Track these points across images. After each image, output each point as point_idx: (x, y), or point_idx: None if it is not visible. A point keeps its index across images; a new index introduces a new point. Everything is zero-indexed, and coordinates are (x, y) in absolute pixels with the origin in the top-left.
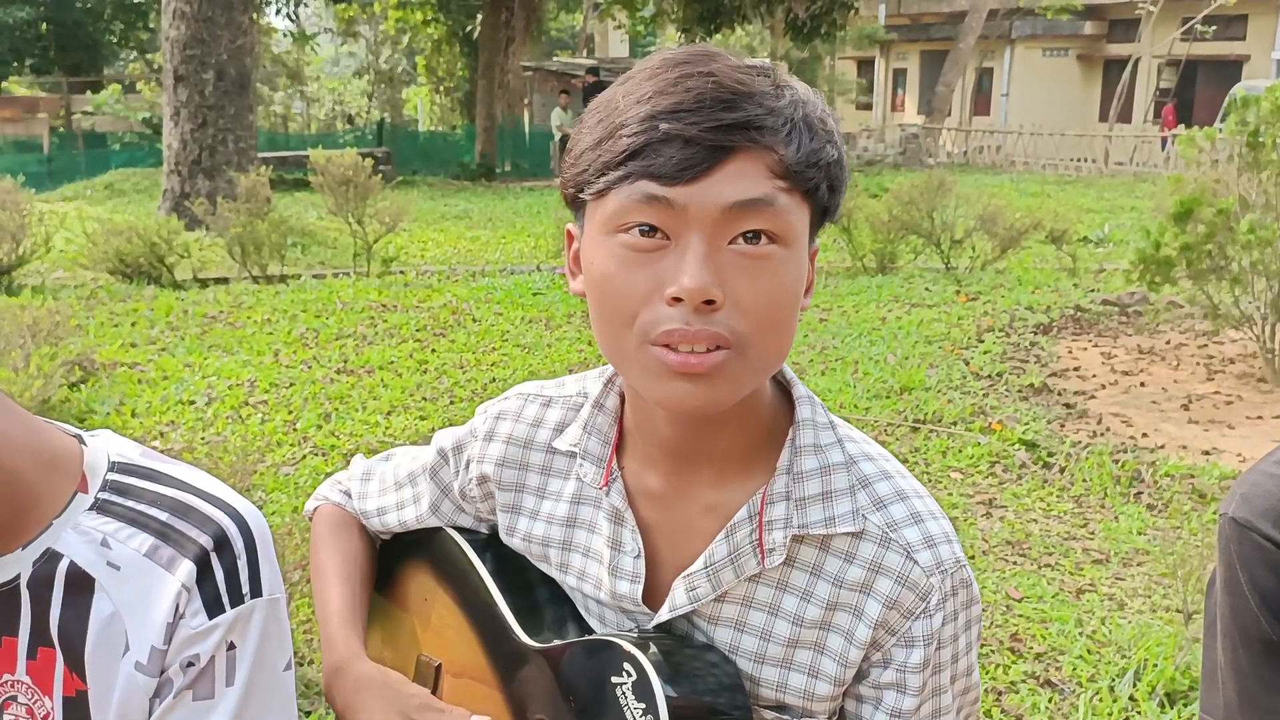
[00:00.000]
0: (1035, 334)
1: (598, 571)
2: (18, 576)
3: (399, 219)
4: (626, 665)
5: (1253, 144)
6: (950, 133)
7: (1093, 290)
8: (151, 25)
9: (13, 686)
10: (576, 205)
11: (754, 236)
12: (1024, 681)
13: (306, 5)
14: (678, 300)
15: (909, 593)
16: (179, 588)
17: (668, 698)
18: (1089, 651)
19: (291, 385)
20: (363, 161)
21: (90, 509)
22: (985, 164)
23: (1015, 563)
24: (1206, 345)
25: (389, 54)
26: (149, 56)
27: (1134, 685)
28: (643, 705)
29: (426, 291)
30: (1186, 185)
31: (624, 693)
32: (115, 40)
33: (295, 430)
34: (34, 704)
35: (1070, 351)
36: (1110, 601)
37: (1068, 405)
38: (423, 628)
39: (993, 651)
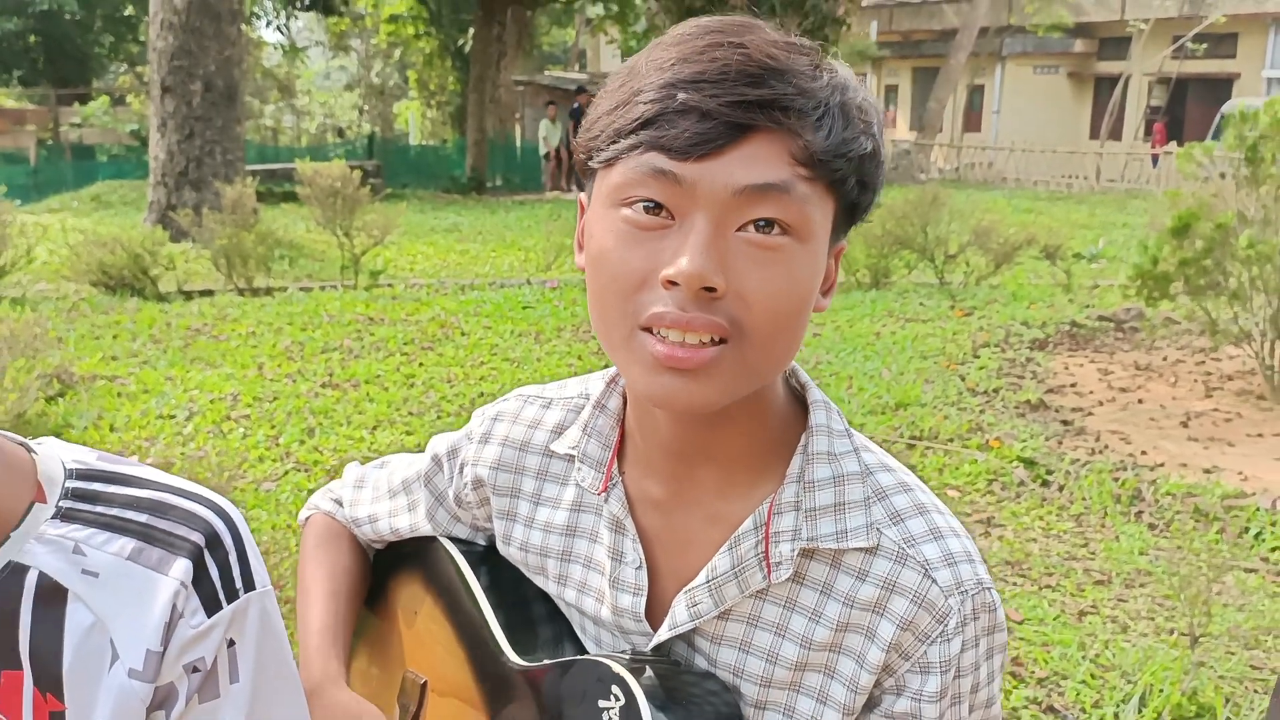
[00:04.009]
0: (1031, 349)
1: (599, 583)
2: None
3: (387, 231)
4: (615, 689)
5: (1251, 159)
6: (942, 149)
7: (1088, 306)
8: (141, 38)
9: None
10: (588, 173)
11: (766, 225)
12: (1026, 708)
13: (298, 18)
14: (673, 284)
15: (925, 614)
16: (176, 586)
17: None
18: (1092, 676)
19: (275, 399)
20: (351, 173)
21: (54, 518)
22: (977, 180)
23: (1015, 583)
24: (1204, 362)
25: (380, 68)
26: (139, 69)
27: (1139, 712)
28: None
29: (414, 305)
30: (1184, 200)
31: (610, 718)
32: (105, 53)
33: (278, 445)
34: None
35: (1067, 367)
36: (1113, 624)
37: (1065, 422)
38: (411, 642)
39: None
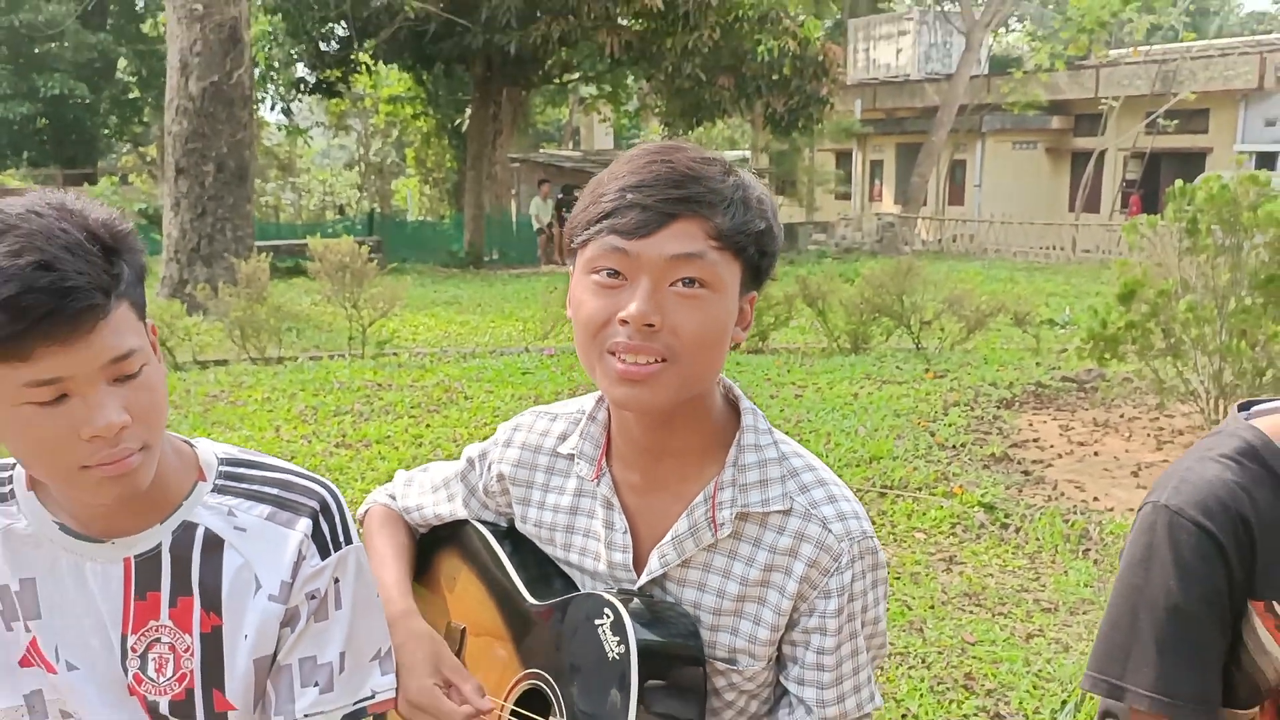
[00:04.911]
0: (998, 408)
1: (596, 547)
2: (159, 545)
3: (393, 303)
4: (606, 609)
5: (1191, 230)
6: (925, 221)
7: (1054, 368)
8: (145, 119)
9: (157, 630)
10: (570, 252)
11: (690, 281)
12: (975, 715)
13: (300, 100)
14: (625, 322)
15: (825, 554)
16: (302, 537)
17: (639, 638)
18: (1034, 687)
19: (293, 458)
20: (359, 248)
21: (212, 491)
22: (959, 251)
23: (972, 612)
24: (1158, 418)
25: (379, 146)
26: (142, 149)
27: (1074, 715)
28: (618, 638)
29: (419, 371)
30: (1133, 268)
31: (603, 630)
32: (110, 134)
33: None
34: (176, 641)
35: (1031, 424)
36: (1057, 644)
37: (1026, 472)
38: (452, 601)
39: (948, 689)
